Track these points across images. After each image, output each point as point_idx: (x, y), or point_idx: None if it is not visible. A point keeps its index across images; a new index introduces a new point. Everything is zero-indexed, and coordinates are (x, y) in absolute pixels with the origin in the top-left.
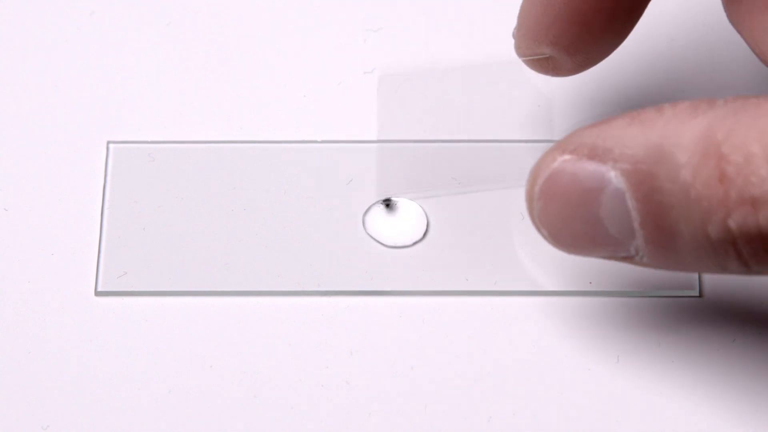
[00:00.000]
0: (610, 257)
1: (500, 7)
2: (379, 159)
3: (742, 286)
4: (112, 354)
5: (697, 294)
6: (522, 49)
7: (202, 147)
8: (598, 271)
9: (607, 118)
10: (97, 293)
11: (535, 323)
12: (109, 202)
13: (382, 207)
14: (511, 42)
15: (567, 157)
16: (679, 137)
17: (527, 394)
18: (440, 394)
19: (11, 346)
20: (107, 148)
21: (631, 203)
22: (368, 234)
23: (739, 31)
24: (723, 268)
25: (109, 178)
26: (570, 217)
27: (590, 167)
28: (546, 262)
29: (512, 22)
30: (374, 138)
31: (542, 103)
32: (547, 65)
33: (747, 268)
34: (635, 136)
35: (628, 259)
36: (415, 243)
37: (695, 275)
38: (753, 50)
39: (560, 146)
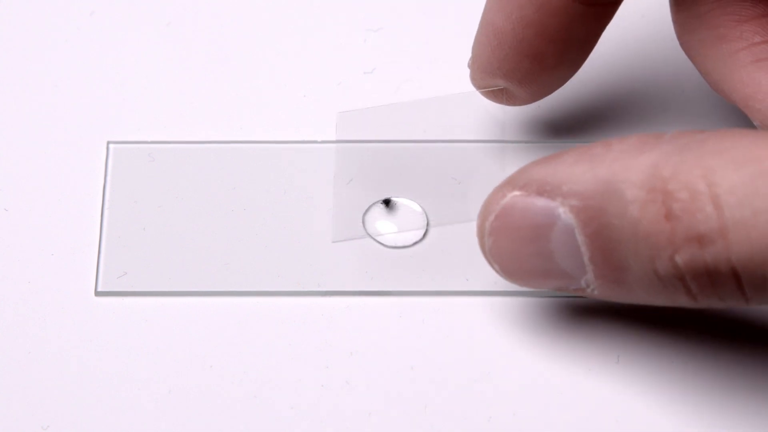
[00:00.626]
0: (561, 290)
1: None
2: (380, 159)
3: None
4: (112, 354)
5: None
6: (477, 81)
7: (202, 147)
8: None
9: (555, 153)
10: (97, 293)
11: (534, 323)
12: (109, 202)
13: (382, 207)
14: None
15: (517, 193)
16: (627, 173)
17: (527, 394)
18: (440, 394)
19: (11, 346)
20: (107, 148)
21: (580, 238)
22: (368, 234)
23: (691, 59)
24: (673, 302)
25: (109, 178)
26: (521, 252)
27: (540, 203)
28: None
29: None
30: (374, 138)
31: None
32: (501, 96)
33: (696, 302)
34: (584, 173)
35: (579, 291)
36: (415, 243)
37: None
38: (704, 77)
39: (510, 182)
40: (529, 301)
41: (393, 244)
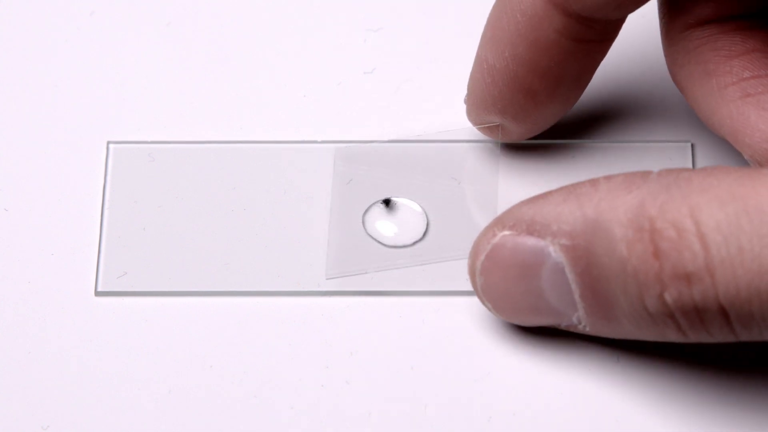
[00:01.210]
0: (553, 326)
1: None
2: (380, 159)
3: None
4: (112, 354)
5: None
6: (473, 117)
7: (202, 147)
8: None
9: (544, 193)
10: (97, 293)
11: None
12: (109, 202)
13: (382, 207)
14: None
15: (507, 232)
16: (614, 212)
17: (527, 394)
18: (440, 394)
19: (11, 346)
20: (107, 148)
21: (570, 276)
22: (368, 234)
23: (681, 91)
24: (663, 337)
25: (109, 178)
26: (512, 290)
27: (530, 242)
28: None
29: None
30: (374, 138)
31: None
32: (497, 131)
33: (686, 337)
34: (572, 212)
35: (571, 327)
36: (415, 243)
37: None
38: (694, 109)
39: (500, 221)
40: None
41: (393, 244)
